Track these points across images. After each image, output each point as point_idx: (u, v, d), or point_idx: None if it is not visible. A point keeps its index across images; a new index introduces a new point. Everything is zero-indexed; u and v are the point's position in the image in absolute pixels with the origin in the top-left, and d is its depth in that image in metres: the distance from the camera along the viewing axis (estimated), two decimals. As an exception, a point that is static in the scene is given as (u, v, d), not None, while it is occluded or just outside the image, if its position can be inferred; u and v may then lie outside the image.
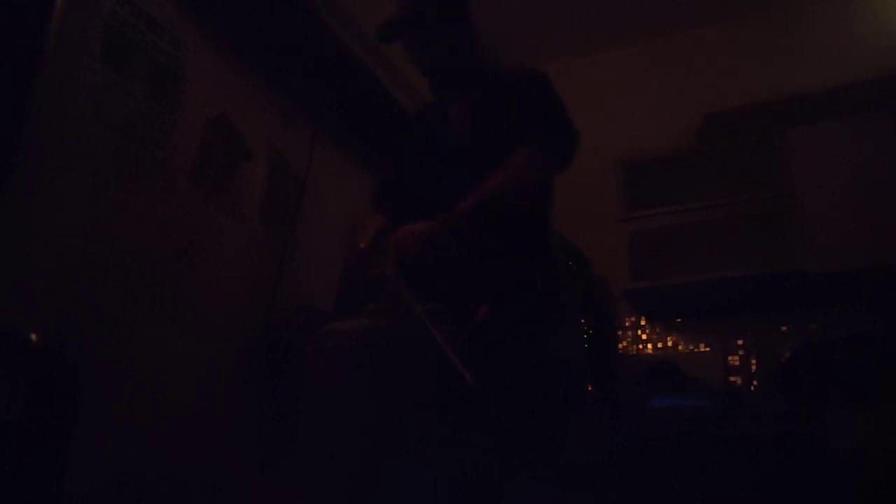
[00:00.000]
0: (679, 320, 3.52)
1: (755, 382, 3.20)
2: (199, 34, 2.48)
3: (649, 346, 3.54)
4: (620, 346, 3.57)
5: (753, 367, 3.27)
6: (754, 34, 3.78)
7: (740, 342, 3.35)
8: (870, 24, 3.52)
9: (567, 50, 4.22)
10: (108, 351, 2.01)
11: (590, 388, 2.99)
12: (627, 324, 3.61)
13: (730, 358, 3.33)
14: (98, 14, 2.11)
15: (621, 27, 4.03)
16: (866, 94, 3.18)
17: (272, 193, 2.75)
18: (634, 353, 3.55)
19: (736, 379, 3.25)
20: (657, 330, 3.56)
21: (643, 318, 3.59)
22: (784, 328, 3.29)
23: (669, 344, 3.51)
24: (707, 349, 3.40)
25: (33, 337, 1.31)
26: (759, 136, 3.34)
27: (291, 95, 2.91)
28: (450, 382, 1.56)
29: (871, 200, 2.99)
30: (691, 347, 3.44)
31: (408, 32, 1.97)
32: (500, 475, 1.71)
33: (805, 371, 2.94)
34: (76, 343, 1.84)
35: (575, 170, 3.58)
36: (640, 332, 3.58)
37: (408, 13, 1.95)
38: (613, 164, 3.61)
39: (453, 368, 1.49)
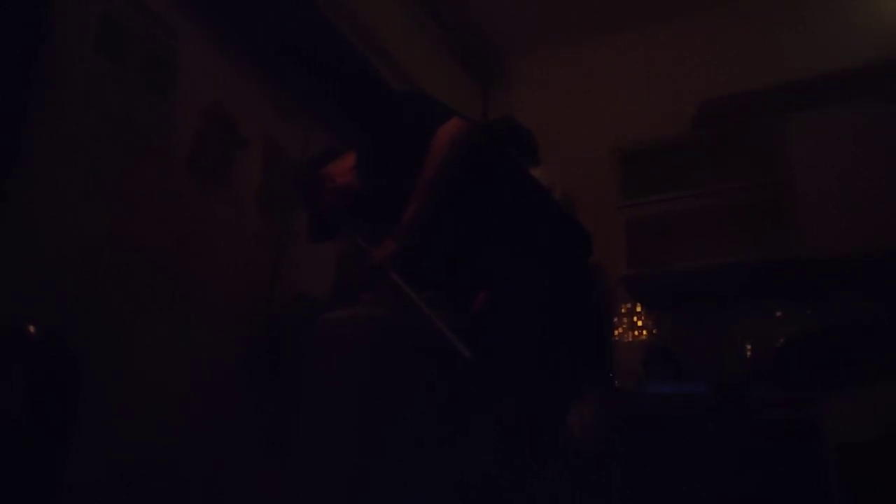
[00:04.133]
0: (675, 307, 3.52)
1: (750, 369, 3.21)
2: (193, 23, 2.47)
3: (645, 332, 3.55)
4: (617, 333, 3.58)
5: (749, 354, 3.28)
6: (749, 20, 3.77)
7: (736, 328, 3.36)
8: (864, 10, 3.52)
9: (560, 39, 4.22)
10: (108, 343, 2.01)
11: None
12: (623, 311, 3.61)
13: (725, 344, 3.34)
14: (93, 3, 2.10)
15: (614, 15, 4.01)
16: (862, 79, 3.18)
17: (269, 182, 2.75)
18: (630, 340, 3.56)
19: (731, 365, 3.26)
20: (653, 317, 3.57)
21: (639, 305, 3.60)
22: (779, 314, 3.30)
23: (665, 331, 3.52)
24: (703, 336, 3.41)
25: (31, 329, 1.31)
26: (755, 123, 3.34)
27: (286, 83, 2.90)
28: (448, 367, 1.58)
29: (867, 187, 2.99)
30: (687, 334, 3.45)
31: None
32: (500, 461, 1.72)
33: (800, 357, 2.96)
34: (76, 336, 1.84)
35: (571, 158, 3.61)
36: (636, 318, 3.59)
37: None
38: (609, 152, 3.61)
39: (448, 344, 1.50)
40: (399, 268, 1.74)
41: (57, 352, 1.36)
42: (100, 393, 1.86)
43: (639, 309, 3.60)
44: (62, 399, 1.34)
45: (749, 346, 3.30)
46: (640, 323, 3.57)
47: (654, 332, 3.54)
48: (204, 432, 2.28)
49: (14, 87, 1.75)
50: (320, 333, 1.68)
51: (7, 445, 1.28)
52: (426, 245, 1.80)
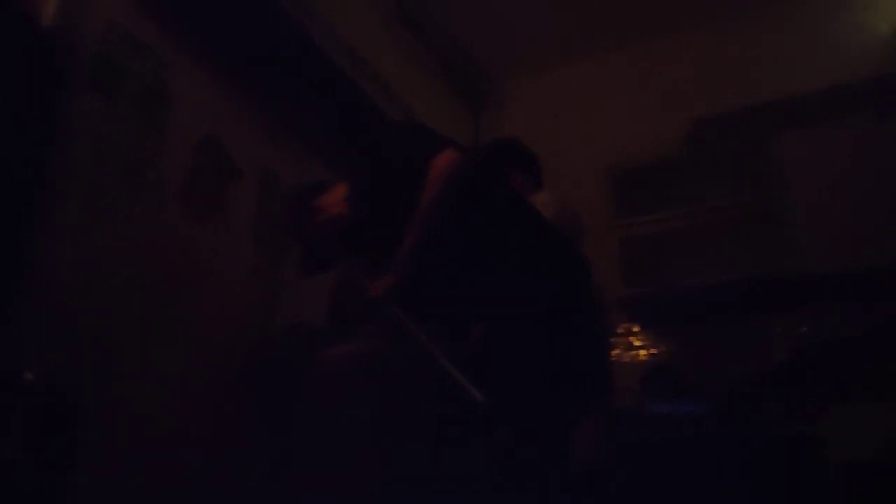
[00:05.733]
0: (672, 326, 3.52)
1: (751, 386, 3.20)
2: (185, 56, 2.47)
3: (643, 352, 3.55)
4: (614, 353, 3.57)
5: (748, 371, 3.28)
6: (741, 38, 3.80)
7: (734, 345, 3.36)
8: (853, 28, 3.56)
9: (551, 60, 4.24)
10: (104, 376, 1.99)
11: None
12: (621, 331, 3.61)
13: (724, 362, 3.34)
14: (87, 39, 2.10)
15: (605, 34, 4.04)
16: (851, 96, 3.21)
17: (264, 211, 2.74)
18: (629, 360, 3.55)
19: (731, 383, 3.25)
20: (651, 336, 3.57)
21: (636, 325, 3.60)
22: (777, 330, 3.30)
23: (663, 350, 3.51)
24: (701, 354, 3.40)
25: (30, 376, 1.30)
26: (747, 141, 3.36)
27: (280, 112, 2.90)
28: (453, 402, 1.57)
29: (858, 201, 3.02)
30: (685, 353, 3.44)
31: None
32: (505, 488, 1.71)
33: (799, 373, 2.96)
34: (72, 370, 1.82)
35: (565, 178, 3.62)
36: (633, 339, 3.59)
37: None
38: (603, 172, 3.62)
39: (460, 389, 1.50)
40: (398, 301, 1.73)
41: (55, 397, 1.34)
42: (95, 426, 1.83)
43: (636, 329, 3.60)
44: (61, 442, 1.33)
45: (748, 363, 3.29)
46: (637, 343, 3.57)
47: (651, 351, 3.54)
48: (202, 465, 2.26)
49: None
50: (320, 365, 1.67)
51: (7, 489, 1.27)
52: (424, 276, 1.80)
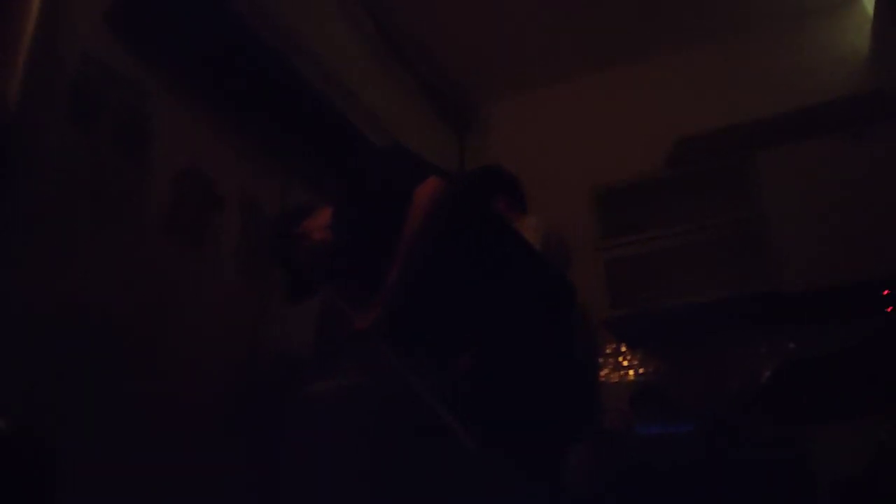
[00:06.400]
0: (659, 345, 3.52)
1: (738, 405, 3.21)
2: (165, 86, 2.46)
3: (630, 373, 3.54)
4: (602, 374, 3.57)
5: (735, 389, 3.28)
6: (720, 60, 3.85)
7: (721, 364, 3.36)
8: (831, 50, 3.62)
9: (536, 82, 4.27)
10: (81, 415, 1.96)
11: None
12: (608, 351, 3.60)
13: (711, 381, 3.34)
14: (63, 72, 2.09)
15: (586, 57, 4.07)
16: (829, 115, 3.25)
17: (247, 241, 2.73)
18: (616, 381, 3.54)
19: (718, 402, 3.26)
20: (638, 356, 3.56)
21: (623, 345, 3.60)
22: (763, 349, 3.31)
23: (651, 370, 3.51)
24: (689, 373, 3.40)
25: (1, 423, 1.27)
26: (728, 160, 3.39)
27: (262, 140, 2.90)
28: (439, 437, 1.56)
29: (838, 219, 3.04)
30: (673, 372, 3.44)
31: None
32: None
33: (786, 391, 2.96)
34: (50, 405, 1.80)
35: (550, 200, 3.63)
36: (621, 359, 3.59)
37: None
38: (587, 193, 3.63)
39: (448, 425, 1.49)
40: (384, 334, 1.72)
41: (30, 443, 1.32)
42: (73, 469, 1.80)
43: (623, 349, 3.60)
44: (38, 490, 1.30)
45: (735, 382, 3.30)
46: (625, 363, 3.57)
47: (639, 371, 3.53)
48: (185, 500, 2.22)
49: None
50: (306, 401, 1.66)
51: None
52: (409, 306, 1.79)
